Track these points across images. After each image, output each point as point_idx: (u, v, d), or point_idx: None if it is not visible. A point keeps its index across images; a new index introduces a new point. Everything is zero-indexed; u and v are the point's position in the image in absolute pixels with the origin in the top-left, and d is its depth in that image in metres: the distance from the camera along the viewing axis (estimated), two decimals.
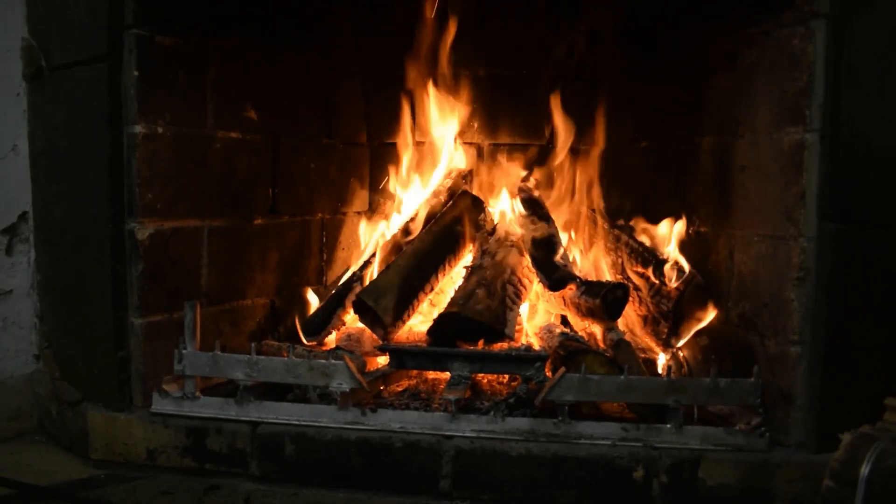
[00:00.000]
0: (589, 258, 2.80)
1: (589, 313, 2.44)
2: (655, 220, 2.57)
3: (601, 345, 2.38)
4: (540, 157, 3.06)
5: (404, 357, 2.22)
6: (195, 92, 2.25)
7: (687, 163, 2.47)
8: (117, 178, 2.10)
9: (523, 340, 2.48)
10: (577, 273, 2.50)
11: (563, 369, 2.01)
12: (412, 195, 2.99)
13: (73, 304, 2.27)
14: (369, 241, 2.94)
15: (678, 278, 2.35)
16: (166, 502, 1.93)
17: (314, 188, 2.78)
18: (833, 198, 1.86)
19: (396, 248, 2.70)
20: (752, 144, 2.09)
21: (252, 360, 2.06)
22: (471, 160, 3.04)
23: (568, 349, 2.19)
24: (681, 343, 2.37)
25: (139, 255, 2.11)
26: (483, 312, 2.30)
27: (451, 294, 2.52)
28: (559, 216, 2.88)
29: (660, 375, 2.23)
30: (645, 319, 2.47)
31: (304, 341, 2.50)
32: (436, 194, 2.91)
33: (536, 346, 2.37)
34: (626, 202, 2.74)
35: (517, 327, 2.46)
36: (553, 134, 3.01)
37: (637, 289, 2.49)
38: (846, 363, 1.87)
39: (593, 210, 2.90)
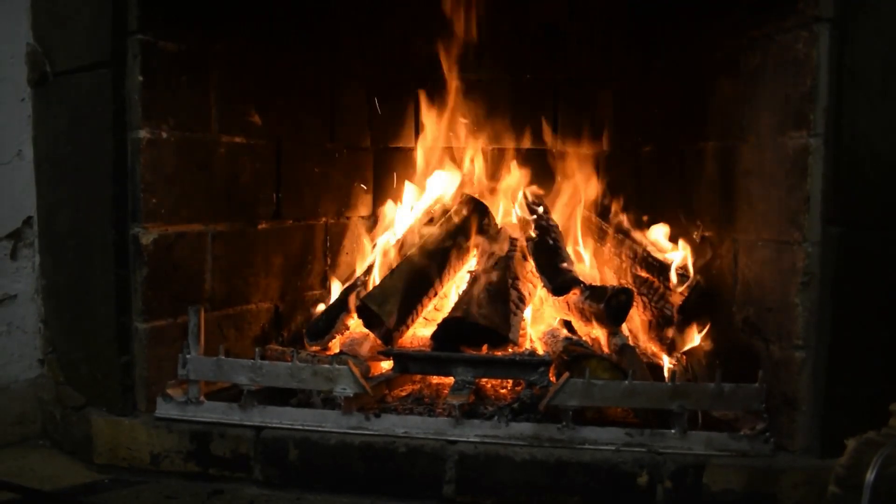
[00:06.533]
0: (593, 263, 2.80)
1: (593, 318, 2.44)
2: (660, 225, 2.56)
3: (605, 349, 2.38)
4: (544, 161, 3.06)
5: (408, 362, 2.22)
6: (199, 97, 2.26)
7: (691, 167, 2.46)
8: (121, 183, 2.11)
9: (527, 345, 2.48)
10: (580, 278, 2.50)
11: (567, 374, 2.00)
12: (416, 199, 2.99)
13: (77, 309, 2.27)
14: (373, 245, 2.94)
15: (682, 283, 2.35)
16: None
17: (318, 193, 2.78)
18: (837, 202, 1.85)
19: (400, 252, 2.70)
20: (756, 149, 2.09)
21: (256, 364, 2.06)
22: (475, 164, 3.04)
23: (572, 354, 2.19)
24: (685, 348, 2.37)
25: (143, 259, 2.11)
26: (487, 317, 2.30)
27: (455, 299, 2.52)
28: (563, 221, 2.88)
29: (664, 380, 2.22)
30: (649, 324, 2.47)
31: (308, 346, 2.50)
32: (440, 199, 2.91)
33: (540, 351, 2.36)
34: (630, 207, 2.74)
35: (521, 332, 2.45)
36: (557, 138, 3.01)
37: (641, 293, 2.49)
38: (851, 368, 1.86)
39: (597, 215, 2.90)
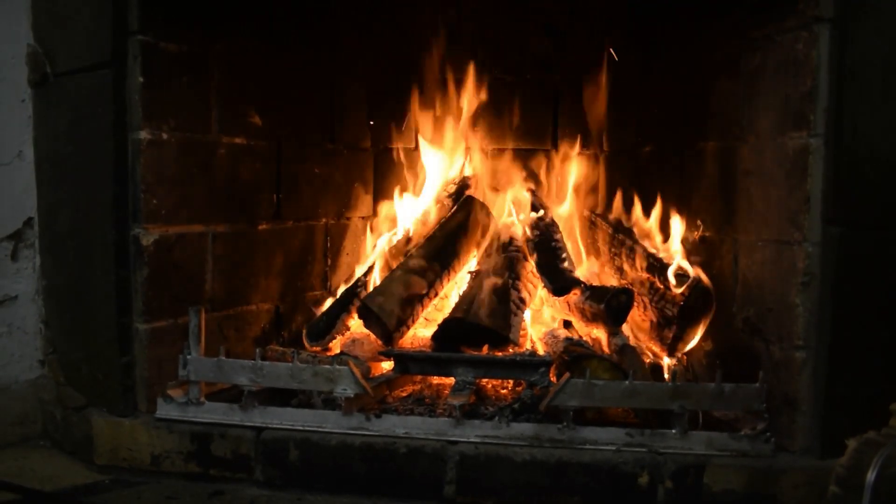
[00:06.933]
0: (593, 263, 2.80)
1: (593, 318, 2.44)
2: (660, 225, 2.56)
3: (606, 350, 2.38)
4: (544, 161, 3.06)
5: (408, 362, 2.22)
6: (199, 97, 2.26)
7: (691, 167, 2.46)
8: (122, 184, 2.11)
9: (528, 346, 2.48)
10: (581, 278, 2.50)
11: (567, 374, 2.00)
12: (416, 200, 2.99)
13: (78, 310, 2.27)
14: (374, 246, 2.94)
15: (683, 283, 2.34)
16: None
17: (318, 193, 2.78)
18: (837, 202, 1.85)
19: (401, 253, 2.70)
20: (757, 149, 2.09)
21: (256, 365, 2.06)
22: (475, 165, 3.05)
23: (572, 354, 2.19)
24: (686, 348, 2.36)
25: (143, 260, 2.11)
26: (487, 318, 2.30)
27: (456, 299, 2.52)
28: (563, 221, 2.88)
29: (665, 381, 2.22)
30: (650, 325, 2.47)
31: (308, 346, 2.50)
32: (440, 199, 2.91)
33: (541, 352, 2.37)
34: (631, 206, 2.74)
35: (521, 332, 2.46)
36: (557, 139, 3.01)
37: (642, 294, 2.49)
38: (851, 368, 1.86)
39: (598, 215, 2.90)
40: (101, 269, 2.15)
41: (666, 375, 2.25)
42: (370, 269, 2.72)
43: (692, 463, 1.89)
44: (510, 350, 2.30)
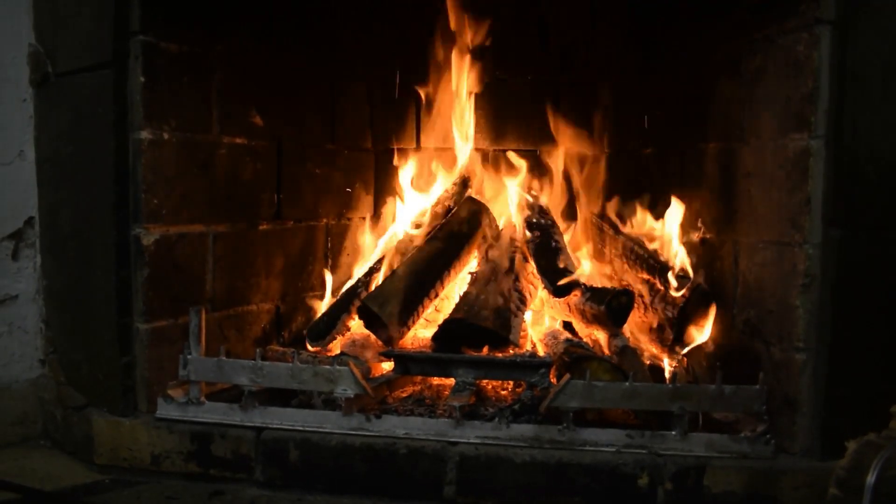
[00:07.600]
0: (594, 264, 2.80)
1: (594, 320, 2.44)
2: (660, 227, 2.56)
3: (606, 351, 2.38)
4: (545, 162, 3.06)
5: (409, 363, 2.22)
6: (200, 98, 2.26)
7: (692, 168, 2.46)
8: (122, 184, 2.11)
9: (528, 347, 2.48)
10: (581, 279, 2.50)
11: (567, 376, 2.00)
12: (417, 201, 2.99)
13: (79, 310, 2.27)
14: (374, 246, 2.94)
15: (683, 285, 2.35)
16: None
17: (319, 194, 2.78)
18: (838, 204, 1.85)
19: (402, 253, 2.70)
20: (757, 151, 2.09)
21: (257, 365, 2.06)
22: (476, 165, 3.05)
23: (572, 355, 2.19)
24: (686, 350, 2.36)
25: (144, 260, 2.11)
26: (488, 318, 2.30)
27: (456, 300, 2.52)
28: (564, 222, 2.88)
29: (665, 382, 2.22)
30: (650, 326, 2.47)
31: (309, 347, 2.50)
32: (441, 200, 2.91)
33: (541, 353, 2.37)
34: (631, 208, 2.74)
35: (522, 333, 2.45)
36: (558, 139, 3.01)
37: (642, 295, 2.49)
38: (852, 370, 1.86)
39: (598, 216, 2.90)
40: (102, 269, 2.15)
41: (666, 377, 2.25)
42: (371, 269, 2.72)
43: (692, 464, 1.89)
44: (510, 351, 2.30)
